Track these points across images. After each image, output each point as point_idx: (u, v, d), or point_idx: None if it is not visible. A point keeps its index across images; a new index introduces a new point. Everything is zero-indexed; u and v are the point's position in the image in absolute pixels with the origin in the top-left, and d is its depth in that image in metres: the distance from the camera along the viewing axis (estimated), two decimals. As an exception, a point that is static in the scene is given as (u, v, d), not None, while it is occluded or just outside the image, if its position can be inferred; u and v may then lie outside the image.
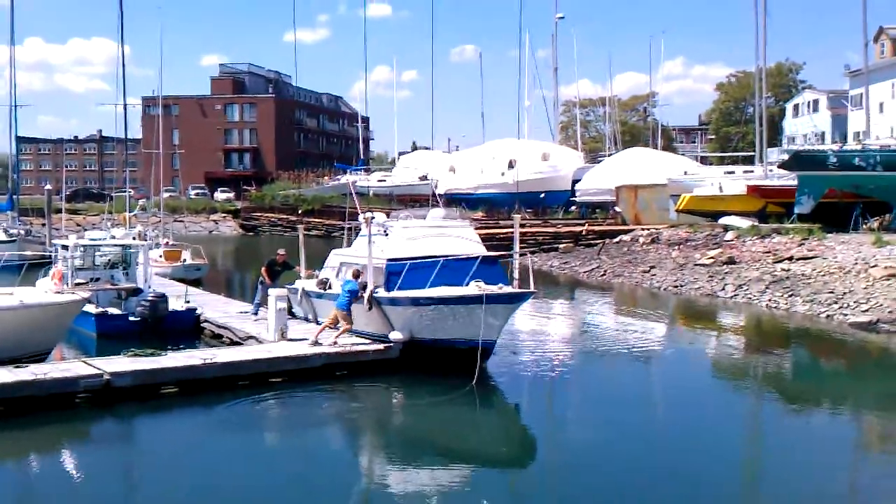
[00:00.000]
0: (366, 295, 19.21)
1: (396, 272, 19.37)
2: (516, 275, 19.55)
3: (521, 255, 20.97)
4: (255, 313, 23.24)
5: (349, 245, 23.33)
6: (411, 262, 19.38)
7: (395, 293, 19.11)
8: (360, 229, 21.81)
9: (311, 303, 22.49)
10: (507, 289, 18.54)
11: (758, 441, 15.66)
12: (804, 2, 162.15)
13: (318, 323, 21.22)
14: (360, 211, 21.98)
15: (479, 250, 20.33)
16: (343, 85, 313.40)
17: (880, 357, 22.28)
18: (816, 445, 14.72)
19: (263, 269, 23.76)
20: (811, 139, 75.62)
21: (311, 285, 22.60)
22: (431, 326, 18.58)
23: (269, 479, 12.57)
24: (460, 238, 20.83)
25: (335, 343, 18.91)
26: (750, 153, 60.07)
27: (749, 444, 15.47)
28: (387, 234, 20.61)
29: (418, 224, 21.39)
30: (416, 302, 18.66)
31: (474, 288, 18.05)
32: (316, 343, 18.95)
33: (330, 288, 21.38)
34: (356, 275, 19.71)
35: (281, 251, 24.52)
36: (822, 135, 75.48)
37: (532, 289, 18.68)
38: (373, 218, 20.74)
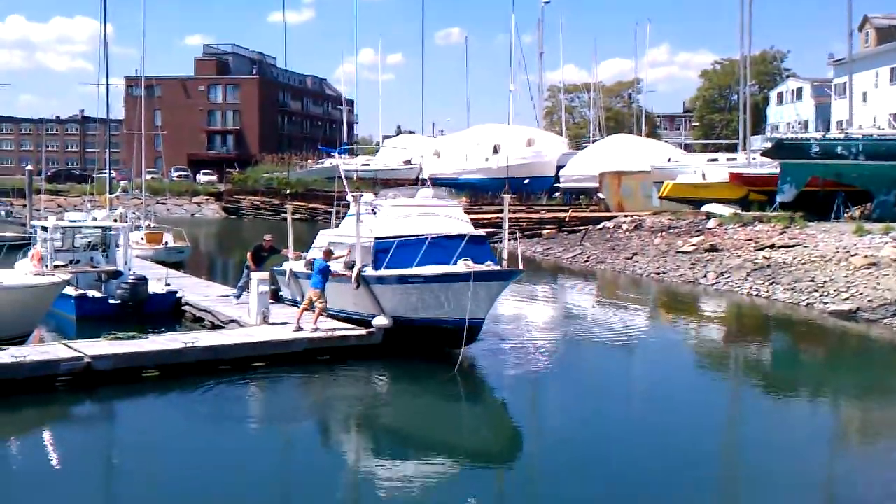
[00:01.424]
0: (353, 273, 19.18)
1: (384, 250, 19.31)
2: (505, 254, 19.54)
3: (509, 235, 20.94)
4: (238, 297, 23.15)
5: (337, 226, 23.27)
6: (399, 240, 19.31)
7: (383, 272, 19.03)
8: (348, 209, 21.72)
9: (299, 284, 22.41)
10: (495, 267, 18.49)
11: (738, 430, 15.72)
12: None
13: None
14: (348, 192, 21.85)
15: (469, 229, 20.30)
16: (328, 67, 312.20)
17: (859, 346, 22.43)
18: (796, 434, 14.79)
19: (249, 254, 23.60)
20: (795, 127, 75.87)
21: (299, 266, 22.51)
22: (419, 305, 18.47)
23: (248, 465, 12.52)
24: (449, 217, 20.76)
25: (316, 327, 18.86)
26: (734, 141, 60.19)
27: (730, 433, 15.52)
28: (375, 213, 20.56)
29: (407, 203, 21.35)
30: (403, 280, 18.55)
31: (462, 266, 17.94)
32: (298, 328, 18.89)
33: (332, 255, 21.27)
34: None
35: (267, 236, 24.25)
36: (806, 123, 75.69)
37: (520, 268, 18.67)
38: (361, 195, 20.68)
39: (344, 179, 23.93)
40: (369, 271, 19.22)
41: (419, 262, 18.62)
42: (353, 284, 19.21)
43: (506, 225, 20.90)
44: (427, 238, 19.00)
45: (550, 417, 16.03)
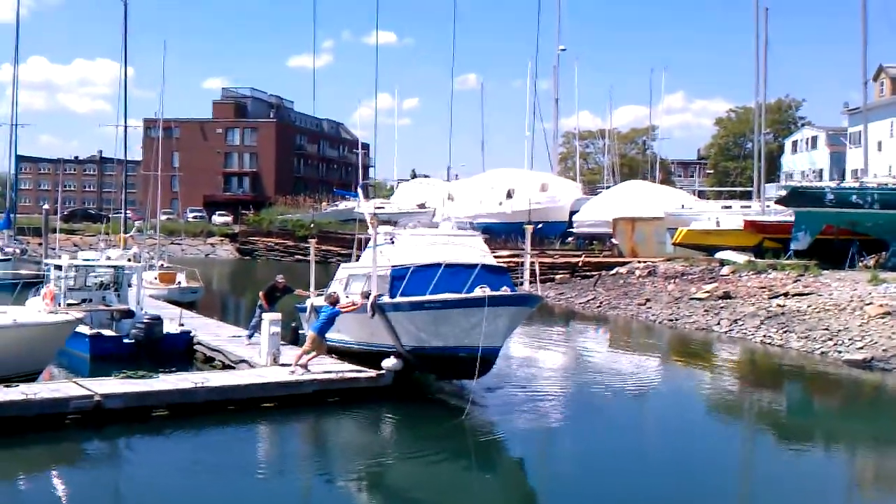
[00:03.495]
0: (369, 302, 19.15)
1: (400, 277, 19.22)
2: (527, 286, 19.37)
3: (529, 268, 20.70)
4: (250, 336, 23.15)
5: (357, 259, 23.34)
6: (414, 267, 19.25)
7: (398, 298, 18.94)
8: (368, 243, 21.76)
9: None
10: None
11: (753, 479, 15.51)
12: (805, 39, 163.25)
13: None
14: (369, 224, 21.82)
15: (487, 259, 20.22)
16: (345, 111, 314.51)
17: (874, 395, 22.21)
18: (809, 484, 14.63)
19: (262, 294, 23.64)
20: (809, 176, 75.87)
21: (320, 302, 22.50)
22: (434, 332, 18.25)
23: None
24: (468, 247, 20.67)
25: (305, 367, 18.72)
26: (748, 188, 60.20)
27: (745, 484, 15.33)
28: (393, 243, 20.59)
29: (425, 232, 21.42)
30: (417, 306, 18.38)
31: (479, 292, 17.65)
32: (306, 370, 18.81)
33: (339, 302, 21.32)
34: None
35: (280, 278, 24.30)
36: (821, 172, 75.71)
37: (538, 293, 18.46)
38: (378, 224, 20.80)
39: (365, 214, 23.86)
40: (385, 299, 19.17)
41: (434, 290, 18.39)
42: (368, 313, 19.18)
43: (528, 247, 20.71)
44: (442, 265, 18.86)
45: (563, 470, 15.51)
